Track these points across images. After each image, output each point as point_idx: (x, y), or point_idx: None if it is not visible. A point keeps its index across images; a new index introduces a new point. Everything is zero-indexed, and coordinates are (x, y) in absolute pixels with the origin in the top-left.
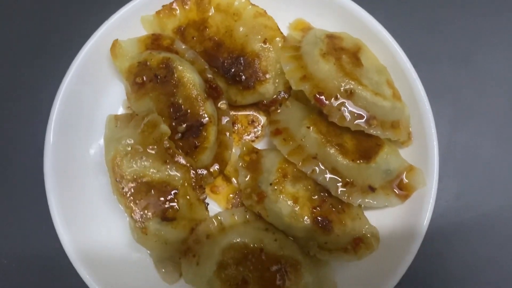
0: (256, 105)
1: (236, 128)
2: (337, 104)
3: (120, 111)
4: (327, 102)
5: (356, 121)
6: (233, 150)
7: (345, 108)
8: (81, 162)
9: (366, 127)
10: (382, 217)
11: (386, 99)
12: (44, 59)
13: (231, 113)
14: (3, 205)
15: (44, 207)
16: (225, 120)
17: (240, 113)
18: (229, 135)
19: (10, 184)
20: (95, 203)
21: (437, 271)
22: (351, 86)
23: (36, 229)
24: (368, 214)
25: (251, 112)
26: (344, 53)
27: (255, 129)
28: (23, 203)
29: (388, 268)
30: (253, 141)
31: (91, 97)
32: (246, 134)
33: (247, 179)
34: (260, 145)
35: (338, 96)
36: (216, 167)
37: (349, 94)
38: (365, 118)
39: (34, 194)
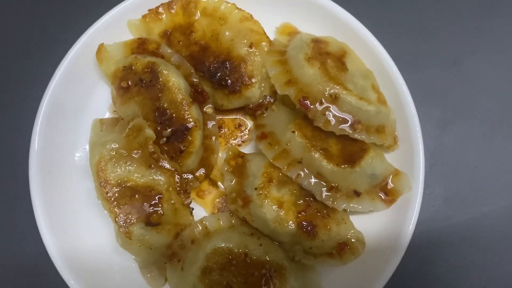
0: (244, 109)
1: (222, 132)
2: (322, 109)
3: (107, 115)
4: (312, 106)
5: (341, 126)
6: (220, 154)
7: (330, 113)
8: (66, 166)
9: (350, 131)
10: (367, 222)
11: (371, 104)
12: (30, 62)
13: (218, 117)
14: None
15: (29, 211)
16: (211, 124)
17: (227, 117)
18: (215, 139)
19: None
20: (81, 207)
21: (424, 276)
22: (336, 91)
23: (21, 233)
24: (353, 219)
25: (238, 116)
26: (330, 57)
27: (242, 133)
28: (8, 207)
29: (374, 272)
30: (239, 145)
31: (77, 101)
32: (232, 138)
33: (232, 183)
34: (247, 149)
35: (323, 100)
36: (202, 171)
37: (334, 99)
38: (349, 122)
39: (19, 198)
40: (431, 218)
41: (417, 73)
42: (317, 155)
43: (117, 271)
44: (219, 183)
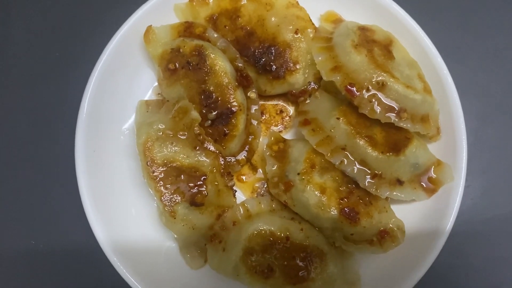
0: (285, 96)
1: (264, 117)
2: (368, 96)
3: (150, 97)
4: (358, 93)
5: (387, 114)
6: (261, 140)
7: (376, 100)
8: (112, 146)
9: (396, 119)
10: (408, 212)
11: (417, 92)
12: (79, 43)
13: (260, 103)
14: (34, 186)
15: (74, 189)
16: (254, 109)
17: (268, 102)
18: (257, 124)
19: (42, 167)
20: (124, 186)
21: (461, 268)
22: (383, 78)
23: (66, 211)
24: (394, 208)
25: (279, 102)
26: (376, 45)
27: (283, 120)
28: (54, 186)
29: (413, 262)
30: (280, 131)
31: (123, 82)
32: (273, 124)
33: (274, 168)
34: (287, 136)
35: (370, 87)
36: (243, 155)
37: (381, 86)
38: (395, 110)
39: (65, 177)
40: (469, 210)
41: (457, 63)
42: (361, 142)
43: (158, 250)
44: (259, 169)
